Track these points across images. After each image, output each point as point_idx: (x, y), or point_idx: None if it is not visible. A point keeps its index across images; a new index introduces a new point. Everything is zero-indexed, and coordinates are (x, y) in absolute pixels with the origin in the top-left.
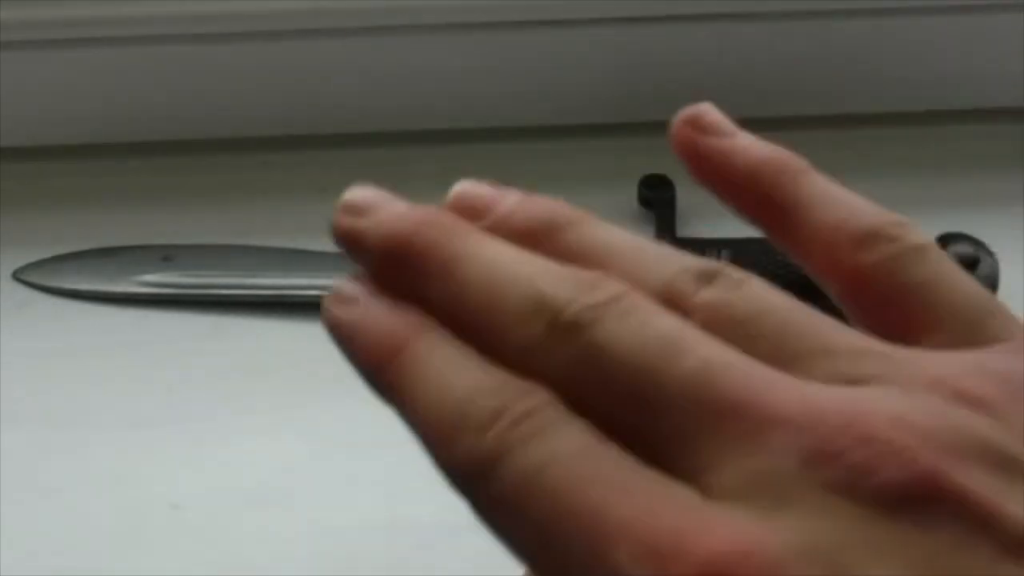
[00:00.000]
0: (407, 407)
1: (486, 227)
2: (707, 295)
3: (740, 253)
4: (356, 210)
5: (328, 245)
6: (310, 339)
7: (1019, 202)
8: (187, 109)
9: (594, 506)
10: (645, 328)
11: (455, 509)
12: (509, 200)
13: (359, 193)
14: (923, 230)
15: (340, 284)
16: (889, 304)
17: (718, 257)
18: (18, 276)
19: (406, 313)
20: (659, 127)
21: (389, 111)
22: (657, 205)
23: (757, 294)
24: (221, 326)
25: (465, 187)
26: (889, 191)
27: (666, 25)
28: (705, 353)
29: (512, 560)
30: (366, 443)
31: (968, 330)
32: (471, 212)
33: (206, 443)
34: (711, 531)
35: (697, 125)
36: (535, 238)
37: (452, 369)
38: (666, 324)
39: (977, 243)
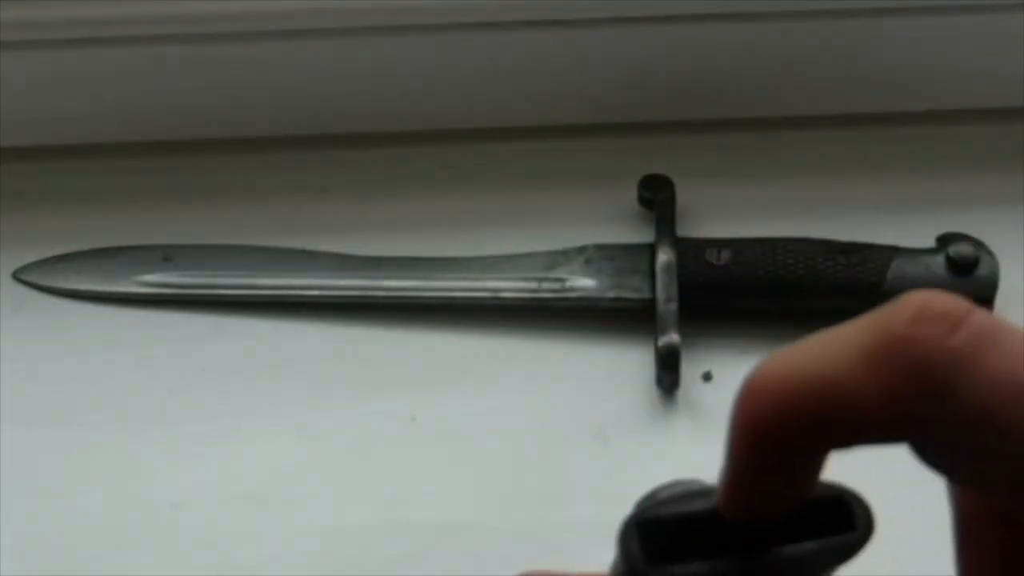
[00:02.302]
0: None
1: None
2: None
3: (740, 253)
4: None
5: (328, 245)
6: (310, 339)
7: (1019, 202)
8: (187, 109)
9: None
10: None
11: (455, 509)
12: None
13: None
14: (923, 230)
15: None
16: None
17: (718, 257)
18: (18, 276)
19: None
20: (659, 127)
21: (389, 111)
22: (657, 205)
23: None
24: (221, 326)
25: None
26: (889, 191)
27: (666, 25)
28: None
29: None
30: (366, 443)
31: None
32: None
33: (206, 443)
34: None
35: None
36: None
37: None
38: None
39: (977, 243)
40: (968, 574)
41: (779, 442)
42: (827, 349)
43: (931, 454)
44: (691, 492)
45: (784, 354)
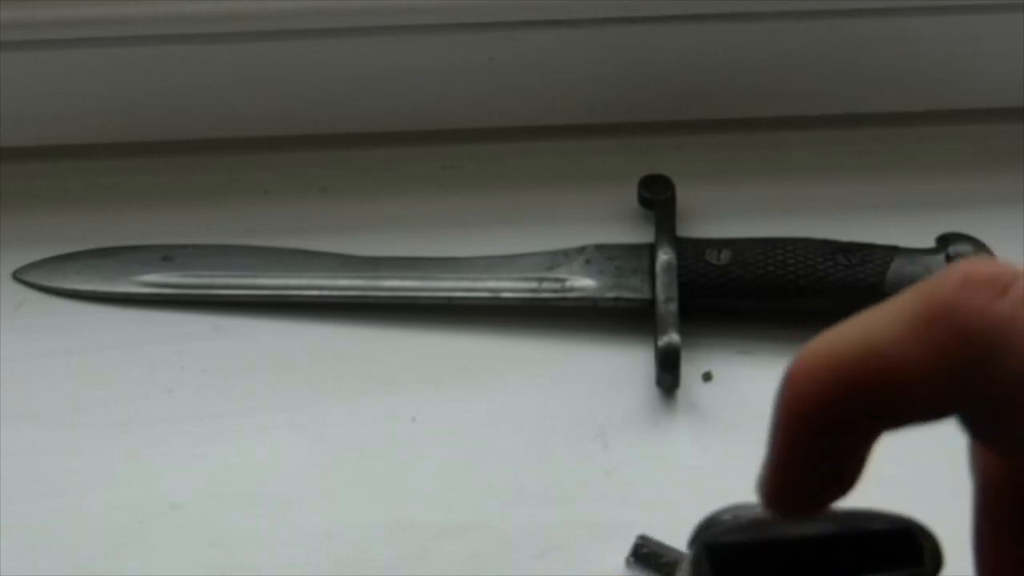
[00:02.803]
0: None
1: None
2: None
3: (740, 253)
4: None
5: (328, 245)
6: (310, 339)
7: (1019, 202)
8: (187, 109)
9: None
10: None
11: (455, 509)
12: None
13: None
14: (923, 230)
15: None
16: None
17: (718, 257)
18: (18, 276)
19: None
20: (659, 127)
21: (389, 111)
22: (657, 205)
23: None
24: (221, 326)
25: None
26: (889, 191)
27: (666, 25)
28: None
29: (512, 560)
30: (366, 443)
31: None
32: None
33: (206, 443)
34: None
35: None
36: None
37: None
38: None
39: (977, 243)
40: (989, 549)
41: (828, 419)
42: (874, 321)
43: (980, 425)
44: (758, 520)
45: (831, 331)
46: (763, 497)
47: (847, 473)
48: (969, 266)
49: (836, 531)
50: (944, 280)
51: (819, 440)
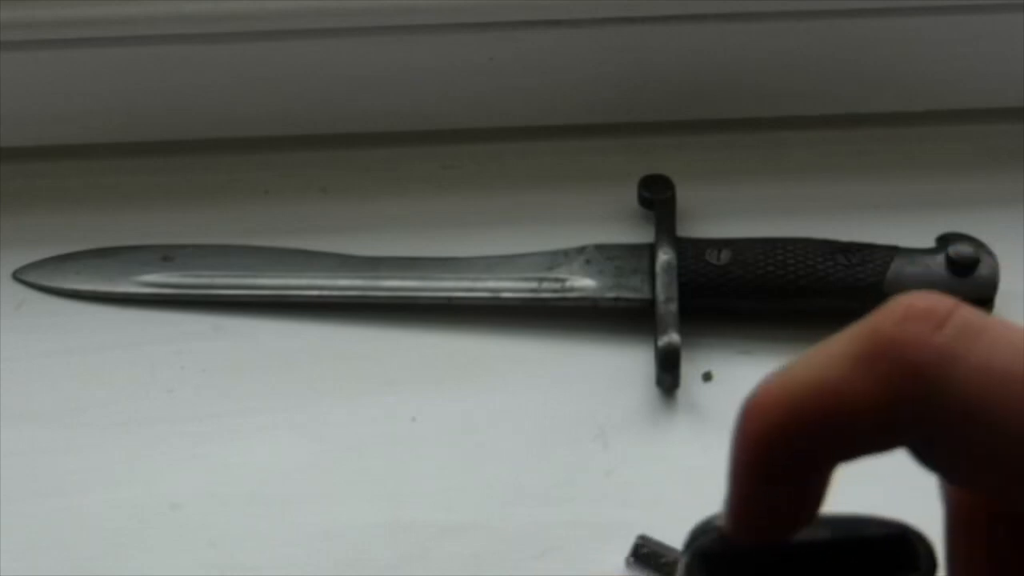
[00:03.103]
0: None
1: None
2: None
3: (740, 253)
4: None
5: (328, 245)
6: (310, 339)
7: (1019, 202)
8: (187, 109)
9: None
10: None
11: (455, 509)
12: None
13: None
14: (923, 230)
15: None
16: None
17: (718, 257)
18: (18, 276)
19: None
20: (659, 127)
21: (389, 111)
22: (657, 205)
23: None
24: (221, 326)
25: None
26: (889, 191)
27: (666, 25)
28: None
29: (512, 560)
30: (366, 443)
31: None
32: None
33: (206, 443)
34: None
35: None
36: None
37: None
38: None
39: (977, 243)
40: (961, 571)
41: (782, 455)
42: (821, 358)
43: (929, 456)
44: None
45: (780, 370)
46: (728, 528)
47: (807, 502)
48: (908, 299)
49: (830, 537)
50: (885, 314)
51: (776, 474)
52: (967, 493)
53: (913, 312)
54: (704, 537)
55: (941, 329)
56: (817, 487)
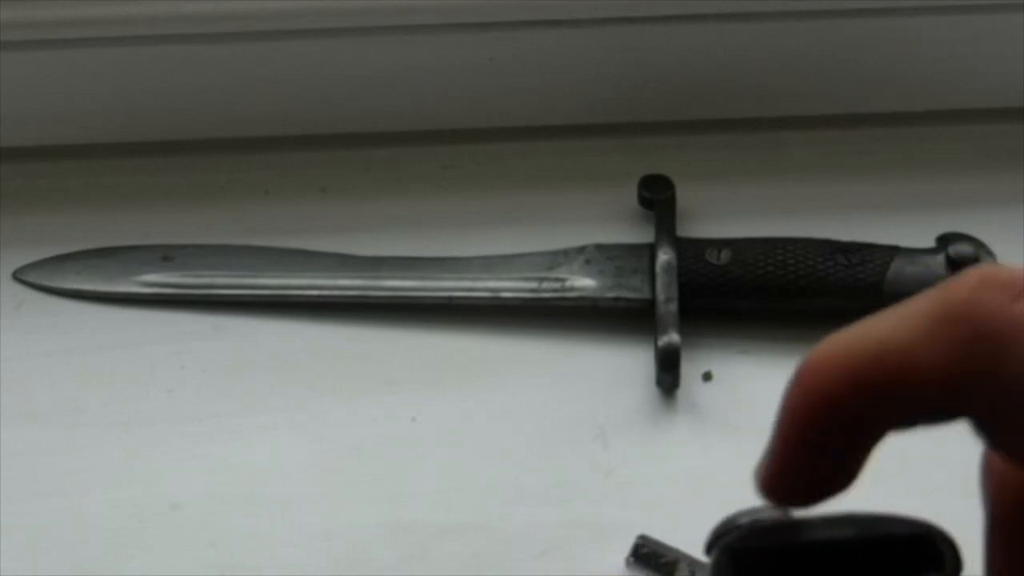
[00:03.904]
0: None
1: None
2: None
3: (740, 253)
4: None
5: (328, 245)
6: (310, 339)
7: (1019, 202)
8: (187, 109)
9: None
10: None
11: (455, 509)
12: None
13: None
14: (923, 230)
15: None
16: None
17: (718, 257)
18: (18, 276)
19: None
20: (659, 127)
21: (389, 111)
22: (657, 205)
23: None
24: (221, 326)
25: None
26: (889, 191)
27: (666, 25)
28: None
29: (512, 560)
30: (366, 443)
31: None
32: None
33: (206, 443)
34: None
35: None
36: None
37: None
38: None
39: (977, 243)
40: (1002, 569)
41: (838, 416)
42: (889, 321)
43: (992, 432)
44: (778, 524)
45: (844, 330)
46: (760, 486)
47: (847, 470)
48: (986, 269)
49: (856, 536)
50: (961, 282)
51: (825, 436)
52: (1013, 492)
53: (990, 281)
54: (730, 534)
55: (1018, 300)
56: (861, 455)
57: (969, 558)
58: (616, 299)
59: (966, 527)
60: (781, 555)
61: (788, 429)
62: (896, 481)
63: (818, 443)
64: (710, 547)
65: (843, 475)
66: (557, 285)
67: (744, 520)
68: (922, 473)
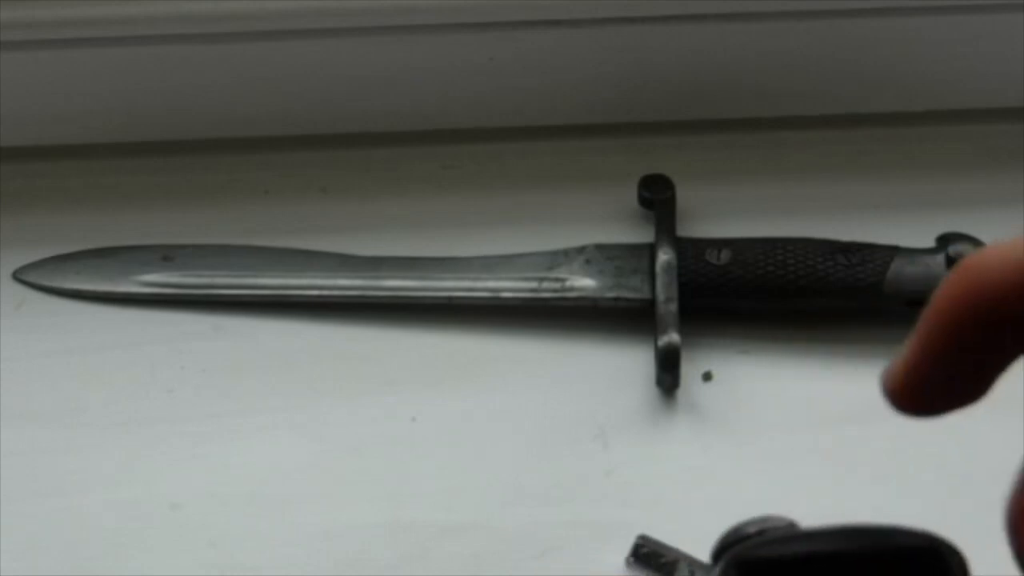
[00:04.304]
0: None
1: None
2: None
3: (740, 253)
4: None
5: (328, 245)
6: (310, 339)
7: (1019, 202)
8: (187, 109)
9: None
10: None
11: (455, 509)
12: None
13: None
14: (923, 230)
15: None
16: None
17: (718, 257)
18: (18, 276)
19: None
20: (659, 127)
21: (389, 111)
22: (657, 205)
23: None
24: (221, 326)
25: None
26: (889, 191)
27: (666, 25)
28: None
29: (512, 560)
30: (366, 443)
31: None
32: None
33: (206, 443)
34: None
35: None
36: None
37: None
38: None
39: (977, 243)
40: None
41: (993, 315)
42: None
43: None
44: (787, 535)
45: (1005, 241)
46: (891, 389)
47: (986, 381)
48: None
49: (864, 547)
50: None
51: (976, 336)
52: None
53: None
54: (740, 545)
55: None
56: (999, 368)
57: (971, 563)
58: (616, 299)
59: (965, 525)
60: (789, 566)
61: (936, 327)
62: (895, 481)
63: (966, 343)
64: (717, 556)
65: (981, 386)
66: (557, 285)
67: (752, 529)
68: (919, 473)
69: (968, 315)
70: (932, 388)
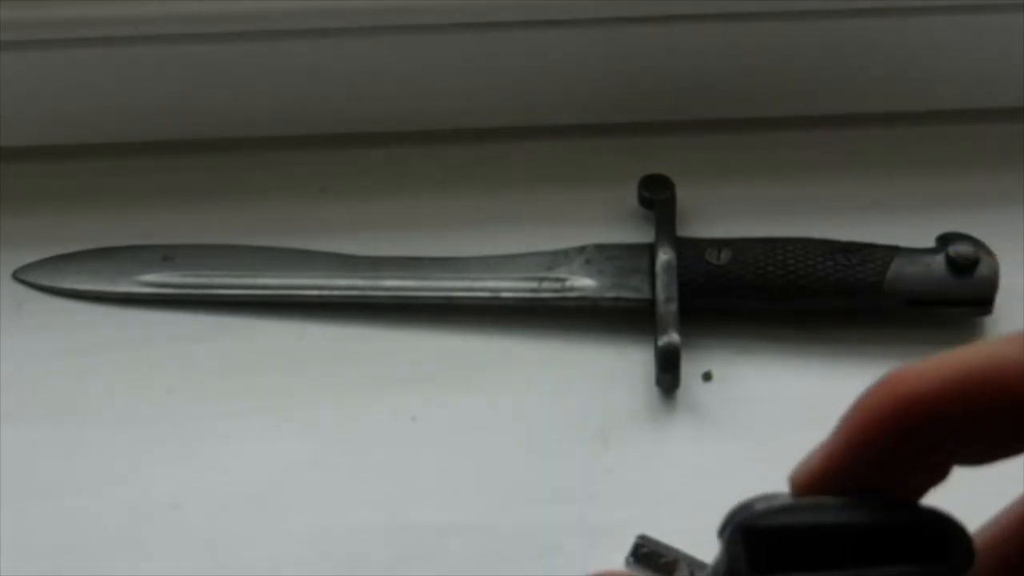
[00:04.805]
0: None
1: None
2: None
3: (740, 253)
4: None
5: (328, 245)
6: (310, 339)
7: (1019, 202)
8: (187, 109)
9: None
10: None
11: (455, 509)
12: None
13: None
14: (923, 230)
15: None
16: None
17: (718, 257)
18: (18, 276)
19: None
20: (659, 127)
21: (389, 111)
22: (657, 205)
23: None
24: (221, 326)
25: None
26: (889, 191)
27: (666, 25)
28: None
29: (512, 560)
30: (366, 443)
31: None
32: None
33: (206, 443)
34: None
35: None
36: None
37: None
38: None
39: (977, 243)
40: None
41: (929, 423)
42: (993, 341)
43: None
44: (794, 506)
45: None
46: (799, 481)
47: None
48: None
49: (870, 521)
50: None
51: (889, 442)
52: None
53: None
54: (746, 513)
55: None
56: (920, 486)
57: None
58: (616, 299)
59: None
60: (793, 536)
61: (861, 428)
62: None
63: (890, 452)
64: (723, 529)
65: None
66: (557, 285)
67: (760, 505)
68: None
69: (893, 425)
70: (844, 487)
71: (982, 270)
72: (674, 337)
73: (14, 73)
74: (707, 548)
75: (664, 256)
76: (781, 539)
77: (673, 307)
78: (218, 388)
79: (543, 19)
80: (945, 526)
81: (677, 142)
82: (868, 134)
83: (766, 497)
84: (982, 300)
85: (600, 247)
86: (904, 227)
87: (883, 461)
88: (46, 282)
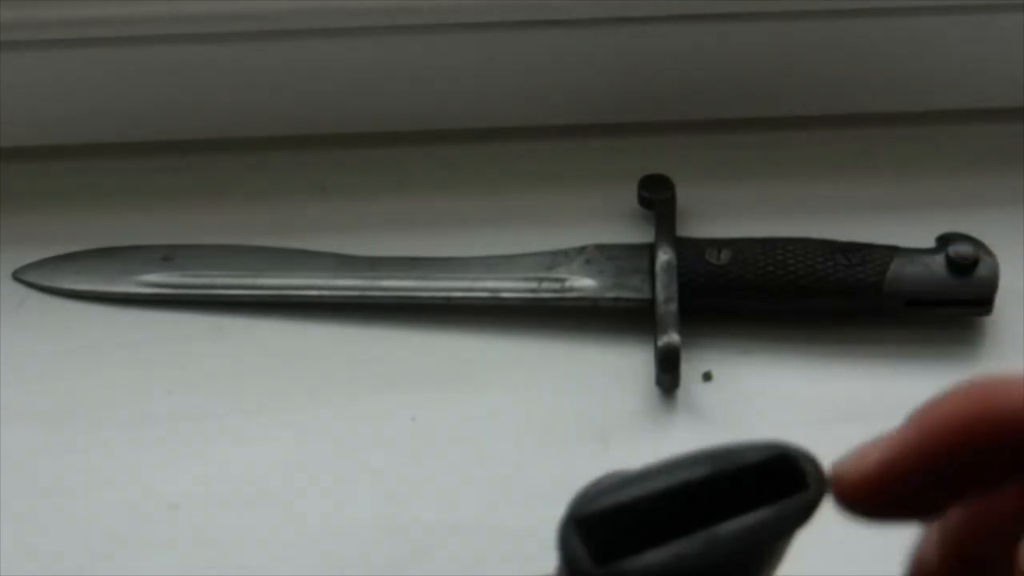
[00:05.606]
0: None
1: None
2: None
3: (740, 253)
4: None
5: (328, 245)
6: (310, 339)
7: (1019, 202)
8: (187, 109)
9: None
10: None
11: (455, 509)
12: None
13: None
14: (923, 230)
15: None
16: None
17: (718, 257)
18: (18, 276)
19: None
20: (659, 127)
21: (389, 111)
22: (657, 205)
23: None
24: (221, 326)
25: None
26: (889, 191)
27: (666, 25)
28: None
29: (512, 560)
30: (366, 443)
31: None
32: None
33: (206, 443)
34: None
35: None
36: None
37: None
38: None
39: (977, 243)
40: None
41: (996, 441)
42: None
43: None
44: (624, 480)
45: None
46: (850, 482)
47: (942, 504)
48: None
49: (711, 472)
50: None
51: (970, 456)
52: None
53: None
54: (574, 504)
55: None
56: (967, 494)
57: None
58: (616, 299)
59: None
60: (634, 511)
61: (937, 437)
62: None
63: (962, 461)
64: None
65: (939, 507)
66: (557, 285)
67: (594, 489)
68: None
69: (973, 433)
70: (899, 492)
71: (982, 270)
72: (674, 337)
73: (14, 73)
74: None
75: (664, 256)
76: (618, 516)
77: (673, 307)
78: (218, 388)
79: (543, 19)
80: (790, 456)
81: (677, 142)
82: (868, 134)
83: (602, 478)
84: (982, 300)
85: (600, 247)
86: (904, 227)
87: (954, 472)
88: (46, 282)
